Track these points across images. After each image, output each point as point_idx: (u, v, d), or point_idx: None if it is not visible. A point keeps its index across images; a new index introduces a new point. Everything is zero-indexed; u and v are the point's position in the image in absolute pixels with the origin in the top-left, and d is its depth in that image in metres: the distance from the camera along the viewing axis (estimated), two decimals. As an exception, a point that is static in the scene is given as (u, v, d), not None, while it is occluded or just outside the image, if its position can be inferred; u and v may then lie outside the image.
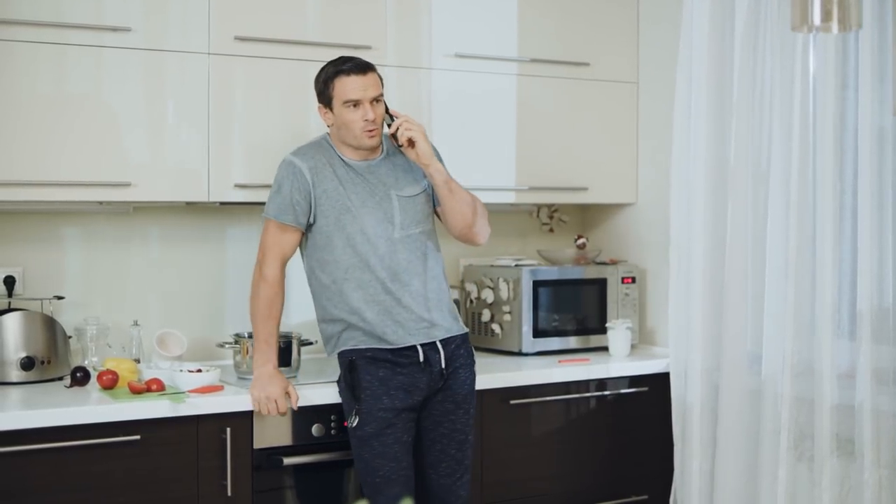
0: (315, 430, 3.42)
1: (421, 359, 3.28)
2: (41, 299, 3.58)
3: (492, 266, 4.18)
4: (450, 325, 3.36)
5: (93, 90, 3.44)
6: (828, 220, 3.44)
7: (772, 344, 3.58)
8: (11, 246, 3.67)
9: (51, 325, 3.53)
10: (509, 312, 4.09)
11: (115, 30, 3.43)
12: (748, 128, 3.66)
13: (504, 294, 4.08)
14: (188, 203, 3.75)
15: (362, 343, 3.28)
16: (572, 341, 4.18)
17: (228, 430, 3.27)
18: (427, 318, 3.30)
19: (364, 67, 3.27)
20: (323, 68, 3.32)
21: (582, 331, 4.20)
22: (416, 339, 3.28)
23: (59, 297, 3.61)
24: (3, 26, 3.29)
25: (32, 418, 3.08)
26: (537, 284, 4.07)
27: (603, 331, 4.20)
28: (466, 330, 3.43)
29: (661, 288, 4.27)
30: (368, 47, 3.78)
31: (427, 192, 3.40)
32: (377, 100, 3.27)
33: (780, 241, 3.56)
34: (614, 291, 4.23)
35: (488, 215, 3.51)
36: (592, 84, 4.24)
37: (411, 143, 3.26)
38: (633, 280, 4.26)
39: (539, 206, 4.54)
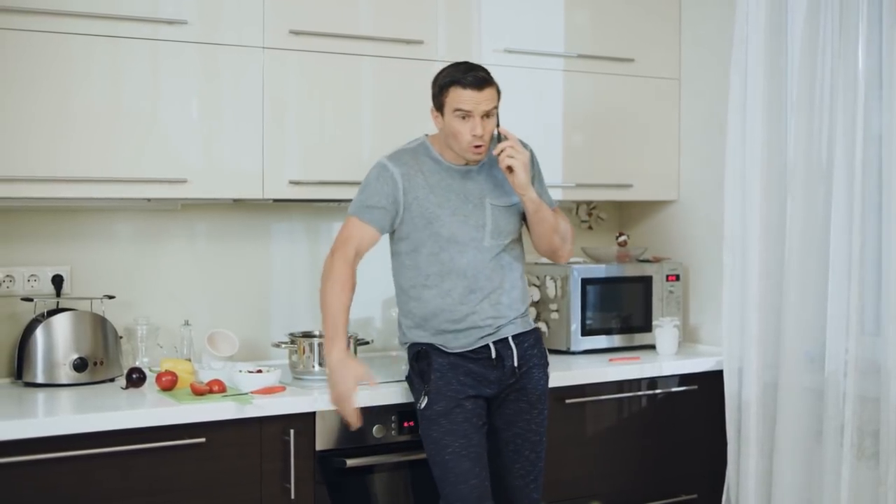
0: (376, 430, 3.36)
1: (493, 355, 3.25)
2: (90, 298, 3.50)
3: (536, 264, 4.13)
4: (519, 322, 3.32)
5: (148, 84, 3.36)
6: (893, 217, 3.42)
7: (834, 342, 3.55)
8: (58, 244, 3.60)
9: (102, 325, 3.44)
10: (557, 310, 4.05)
11: (170, 23, 3.36)
12: (808, 126, 3.64)
13: (551, 292, 4.04)
14: (235, 200, 3.67)
15: (432, 341, 3.27)
16: (617, 339, 4.15)
17: (292, 431, 3.21)
18: (500, 324, 3.27)
19: (482, 83, 3.15)
20: (443, 70, 3.23)
21: (627, 329, 4.17)
22: (487, 341, 3.26)
23: (110, 297, 3.52)
24: (59, 18, 3.21)
25: (96, 421, 2.99)
26: (585, 282, 4.04)
27: (647, 329, 4.18)
28: (536, 325, 3.40)
29: (703, 285, 4.26)
30: (420, 42, 3.74)
31: (521, 205, 3.31)
32: (489, 115, 3.17)
33: (844, 239, 3.53)
34: (659, 289, 4.20)
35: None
36: (636, 80, 4.21)
37: (510, 169, 3.18)
38: (678, 278, 4.24)
39: (578, 204, 4.50)
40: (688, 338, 4.30)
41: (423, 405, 3.22)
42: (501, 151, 3.17)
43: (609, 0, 4.15)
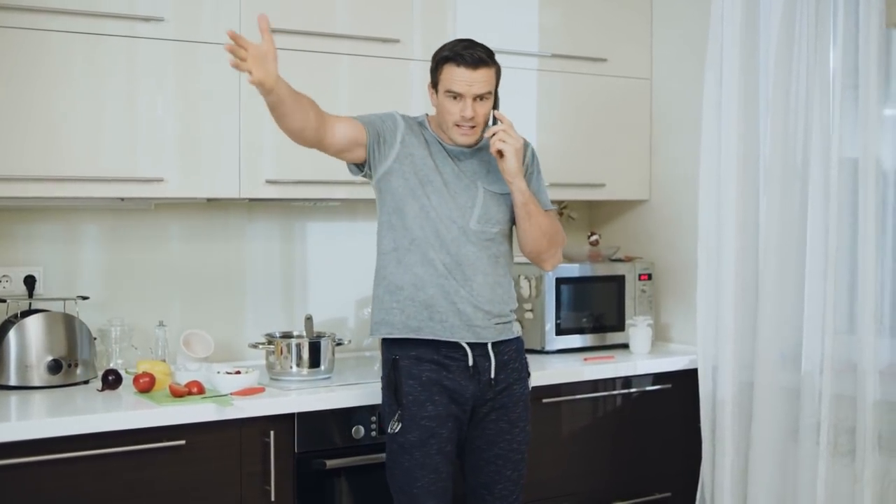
0: (355, 432, 3.34)
1: (470, 363, 3.08)
2: (63, 299, 3.44)
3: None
4: (502, 328, 3.14)
5: (125, 82, 3.31)
6: (870, 215, 3.45)
7: (811, 341, 3.58)
8: (30, 244, 3.54)
9: (76, 326, 3.39)
10: (531, 310, 4.05)
11: (146, 19, 3.32)
12: (783, 124, 3.67)
13: (525, 291, 4.04)
14: (209, 199, 3.63)
15: (404, 332, 3.07)
16: (591, 339, 4.17)
17: (272, 433, 3.18)
18: (479, 321, 3.08)
19: (477, 63, 2.98)
20: (444, 45, 3.07)
21: (599, 328, 4.18)
22: (463, 337, 3.07)
23: (84, 297, 3.47)
24: (36, 15, 3.16)
25: (75, 424, 2.93)
26: (560, 282, 4.04)
27: (620, 328, 4.20)
28: (518, 334, 3.22)
29: (673, 285, 4.28)
30: (396, 40, 3.73)
31: None
32: (483, 97, 3.02)
33: (820, 238, 3.56)
34: (631, 288, 4.22)
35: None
36: (609, 80, 4.23)
37: (501, 153, 3.02)
38: (650, 277, 4.25)
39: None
40: (658, 336, 4.32)
41: (395, 430, 3.06)
42: (494, 135, 3.02)
43: (583, 0, 4.16)
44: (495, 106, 3.10)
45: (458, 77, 3.00)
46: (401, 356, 3.10)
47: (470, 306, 3.07)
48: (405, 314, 3.08)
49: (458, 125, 3.05)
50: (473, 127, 3.05)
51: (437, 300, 3.06)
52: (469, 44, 3.03)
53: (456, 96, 3.02)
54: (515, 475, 3.17)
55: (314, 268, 4.00)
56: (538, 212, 3.13)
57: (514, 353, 3.18)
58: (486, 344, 3.11)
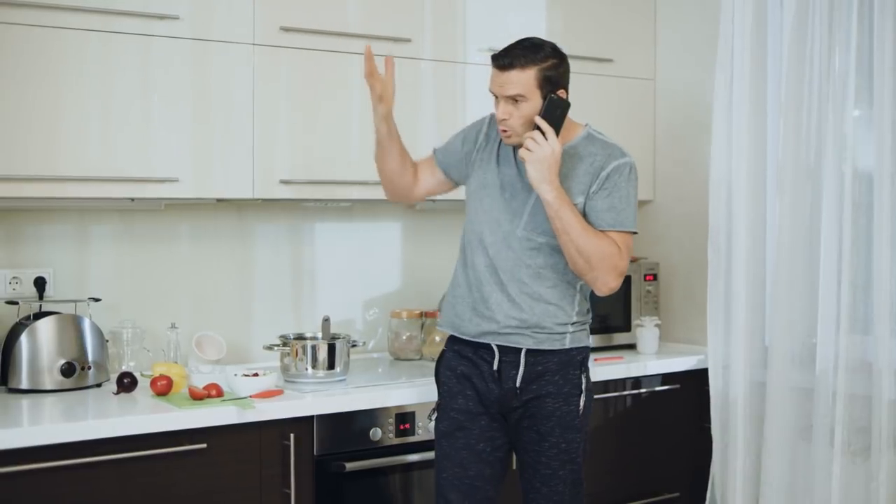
0: (373, 434, 3.31)
1: (495, 367, 3.02)
2: (75, 301, 3.39)
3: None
4: (541, 337, 2.99)
5: (139, 80, 3.26)
6: (885, 215, 3.46)
7: (825, 340, 3.59)
8: (40, 245, 3.48)
9: (89, 328, 3.33)
10: (539, 311, 4.03)
11: (162, 17, 3.27)
12: (796, 124, 3.67)
13: (533, 292, 4.03)
14: (219, 199, 3.59)
15: (447, 328, 3.13)
16: (597, 339, 4.15)
17: (292, 435, 3.14)
18: (512, 328, 2.98)
19: (506, 65, 2.89)
20: None
21: (605, 329, 4.17)
22: (492, 339, 3.01)
23: (96, 299, 3.42)
24: (50, 12, 3.10)
25: (94, 429, 2.89)
26: (568, 282, 4.03)
27: (626, 328, 4.19)
28: (573, 345, 3.02)
29: (678, 285, 4.29)
30: (408, 40, 3.71)
31: (581, 210, 2.95)
32: (517, 99, 2.89)
33: (834, 237, 3.57)
34: (637, 289, 4.22)
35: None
36: (614, 80, 4.23)
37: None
38: (655, 277, 4.25)
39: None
40: (663, 336, 4.31)
41: (433, 418, 3.15)
42: (525, 141, 2.90)
43: (589, 1, 4.16)
44: (561, 110, 2.93)
45: (492, 77, 2.96)
46: (448, 348, 3.16)
47: (501, 314, 2.99)
48: (454, 311, 3.10)
49: (501, 128, 2.98)
50: (507, 130, 2.96)
51: (479, 304, 3.03)
52: (512, 45, 2.94)
53: (496, 97, 2.97)
54: (546, 490, 3.02)
55: (322, 269, 3.96)
56: (571, 228, 2.88)
57: (556, 366, 3.01)
58: (518, 350, 3.00)
